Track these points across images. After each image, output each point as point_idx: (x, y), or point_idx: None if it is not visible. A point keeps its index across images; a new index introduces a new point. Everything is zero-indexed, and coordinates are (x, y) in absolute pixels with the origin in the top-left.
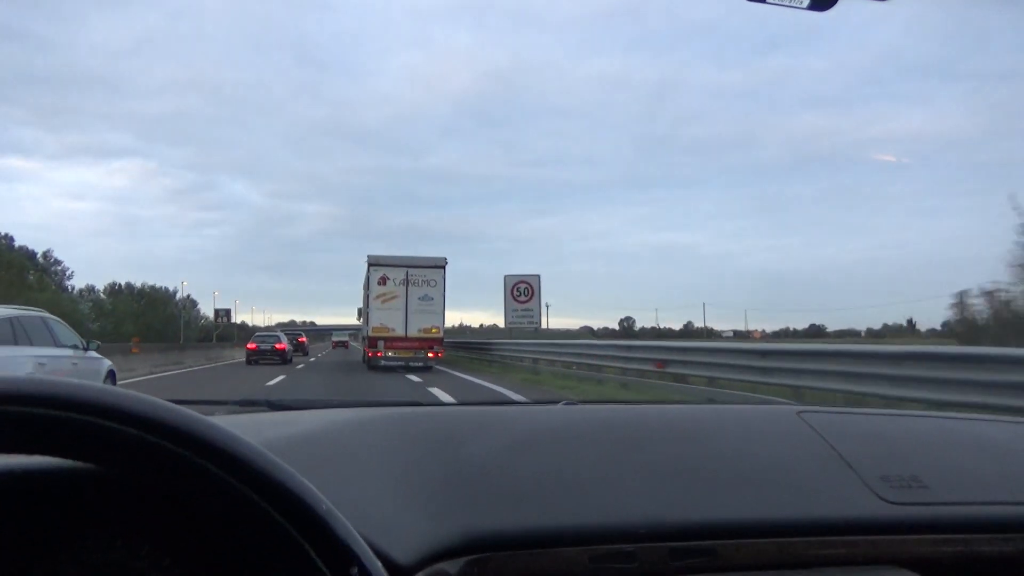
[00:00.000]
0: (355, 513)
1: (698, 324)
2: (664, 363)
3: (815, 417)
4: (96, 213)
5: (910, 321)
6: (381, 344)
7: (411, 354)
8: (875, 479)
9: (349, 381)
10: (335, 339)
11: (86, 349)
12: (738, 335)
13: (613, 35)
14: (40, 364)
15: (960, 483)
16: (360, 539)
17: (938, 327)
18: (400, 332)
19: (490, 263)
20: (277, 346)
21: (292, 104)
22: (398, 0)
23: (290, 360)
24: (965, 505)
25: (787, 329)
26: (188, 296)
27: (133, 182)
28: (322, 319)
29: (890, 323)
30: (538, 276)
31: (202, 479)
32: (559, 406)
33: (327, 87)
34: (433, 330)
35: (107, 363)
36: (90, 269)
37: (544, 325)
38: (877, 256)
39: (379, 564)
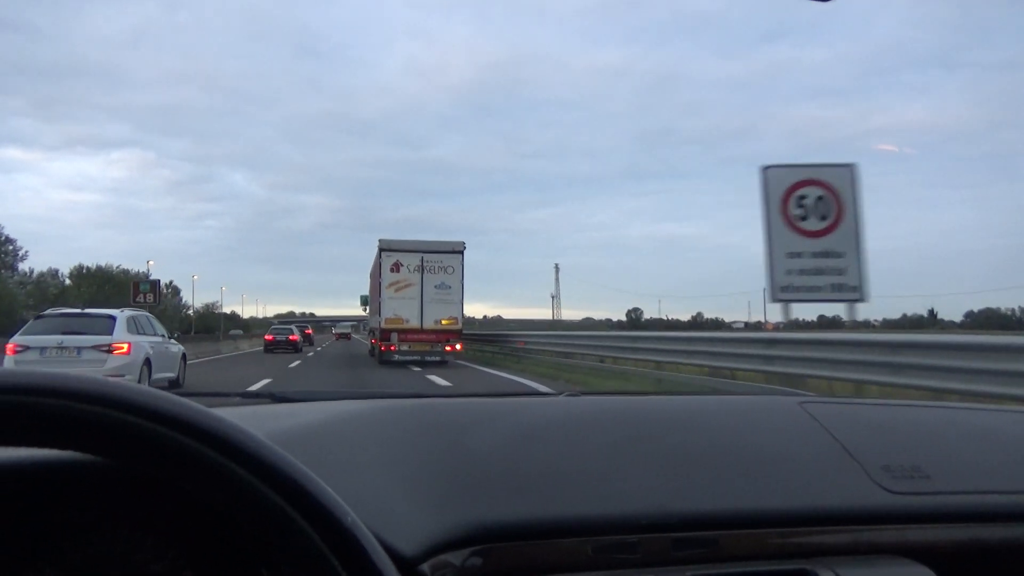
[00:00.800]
0: (359, 505)
1: (707, 315)
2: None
3: (817, 407)
4: (96, 205)
5: (931, 311)
6: (394, 337)
7: (427, 347)
8: (877, 469)
9: (373, 375)
10: (338, 331)
11: (169, 338)
12: (749, 327)
13: (614, 26)
14: (151, 346)
15: (962, 472)
16: (367, 531)
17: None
18: (415, 324)
19: (491, 255)
20: (291, 337)
21: (292, 95)
22: None
23: (300, 349)
24: (967, 494)
25: (796, 320)
26: (171, 283)
27: (132, 173)
28: (322, 311)
29: (909, 314)
30: None
31: (205, 470)
32: (561, 397)
33: (327, 78)
34: (450, 321)
35: (181, 348)
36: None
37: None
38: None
39: (387, 557)
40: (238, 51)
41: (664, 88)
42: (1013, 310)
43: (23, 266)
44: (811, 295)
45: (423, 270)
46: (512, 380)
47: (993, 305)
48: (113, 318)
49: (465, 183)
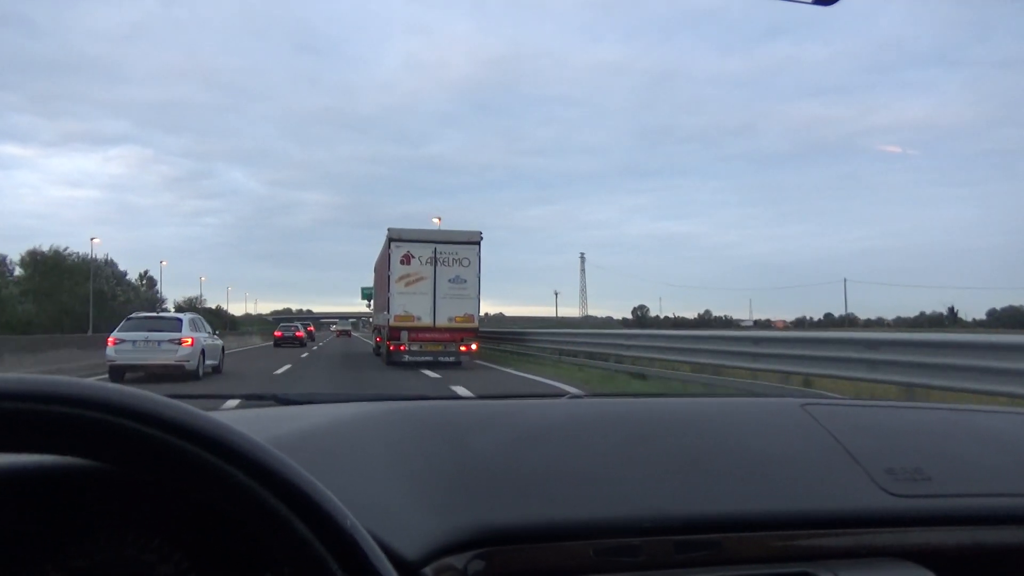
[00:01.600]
0: (362, 508)
1: (716, 313)
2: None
3: (819, 409)
4: (94, 201)
5: (951, 309)
6: (404, 335)
7: (440, 347)
8: (879, 471)
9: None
10: (338, 328)
11: (214, 334)
12: (758, 324)
13: (614, 22)
14: (204, 340)
15: (964, 475)
16: (367, 535)
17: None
18: (427, 321)
19: (491, 252)
20: (297, 334)
21: (290, 91)
22: None
23: (304, 344)
24: (969, 497)
25: (804, 318)
26: (146, 273)
27: (130, 170)
28: (319, 307)
29: (928, 312)
30: None
31: (203, 474)
32: (564, 399)
33: (326, 74)
34: (466, 319)
35: (221, 342)
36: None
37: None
38: (880, 245)
39: (387, 561)
40: (237, 47)
41: (664, 85)
42: None
43: None
44: None
45: (436, 262)
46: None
47: (1016, 303)
48: (180, 320)
49: (464, 180)
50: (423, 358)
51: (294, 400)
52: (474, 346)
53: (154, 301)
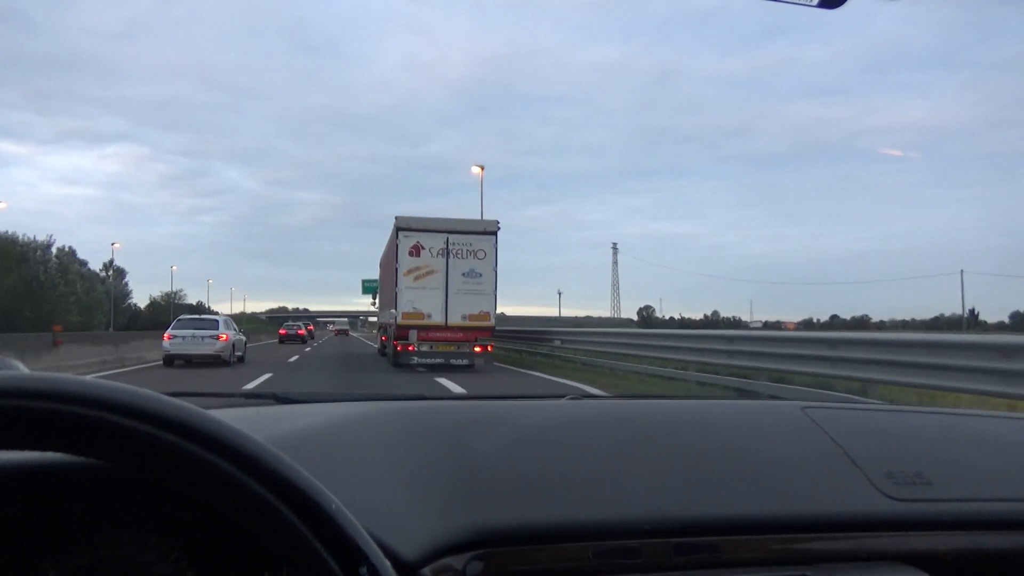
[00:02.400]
0: (361, 508)
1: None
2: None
3: (820, 413)
4: (90, 199)
5: (972, 311)
6: (413, 335)
7: (452, 348)
8: (879, 475)
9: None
10: (336, 327)
11: (238, 332)
12: (768, 326)
13: (612, 22)
14: (235, 337)
15: (964, 479)
16: (369, 539)
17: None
18: (438, 319)
19: None
20: (299, 332)
21: (288, 90)
22: None
23: (306, 341)
24: (969, 501)
25: (810, 320)
26: (111, 263)
27: (126, 168)
28: (316, 306)
29: (947, 314)
30: None
31: (209, 475)
32: (564, 401)
33: (323, 73)
34: (481, 316)
35: (244, 338)
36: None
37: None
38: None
39: (388, 564)
40: (234, 45)
41: (663, 85)
42: None
43: None
44: None
45: (448, 254)
46: None
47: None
48: (217, 321)
49: (462, 180)
50: (433, 359)
51: (293, 399)
52: (489, 347)
53: (119, 295)
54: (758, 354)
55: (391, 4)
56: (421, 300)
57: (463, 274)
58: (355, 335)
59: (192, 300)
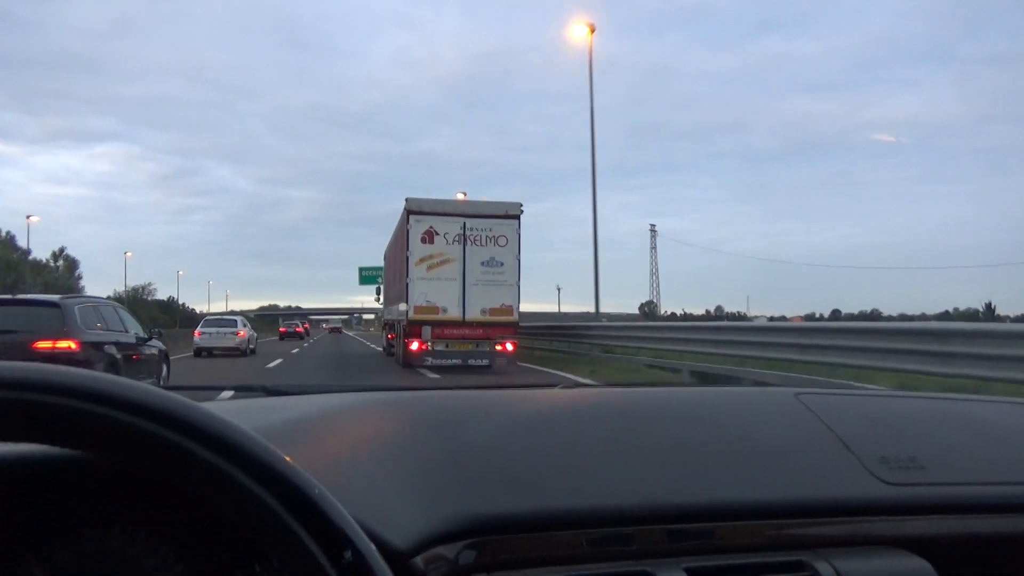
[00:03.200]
0: (353, 498)
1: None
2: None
3: (813, 399)
4: (80, 199)
5: (988, 305)
6: (427, 332)
7: (471, 346)
8: (873, 460)
9: None
10: (331, 325)
11: (251, 329)
12: (773, 321)
13: (604, 18)
14: (249, 333)
15: (958, 464)
16: (354, 523)
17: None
18: (455, 314)
19: None
20: (297, 329)
21: (279, 87)
22: None
23: (303, 338)
24: (963, 486)
25: (813, 315)
26: (62, 251)
27: (116, 167)
28: (308, 304)
29: (961, 308)
30: None
31: (194, 465)
32: (557, 389)
33: (314, 70)
34: (503, 311)
35: (255, 334)
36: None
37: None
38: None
39: (373, 547)
40: (224, 42)
41: (655, 81)
42: None
43: None
44: None
45: (465, 241)
46: None
47: None
48: (236, 320)
49: (454, 177)
50: (449, 360)
51: (283, 391)
52: (510, 346)
53: (69, 287)
54: (832, 348)
55: (382, 0)
56: (435, 292)
57: (482, 263)
58: (350, 333)
59: (163, 295)
